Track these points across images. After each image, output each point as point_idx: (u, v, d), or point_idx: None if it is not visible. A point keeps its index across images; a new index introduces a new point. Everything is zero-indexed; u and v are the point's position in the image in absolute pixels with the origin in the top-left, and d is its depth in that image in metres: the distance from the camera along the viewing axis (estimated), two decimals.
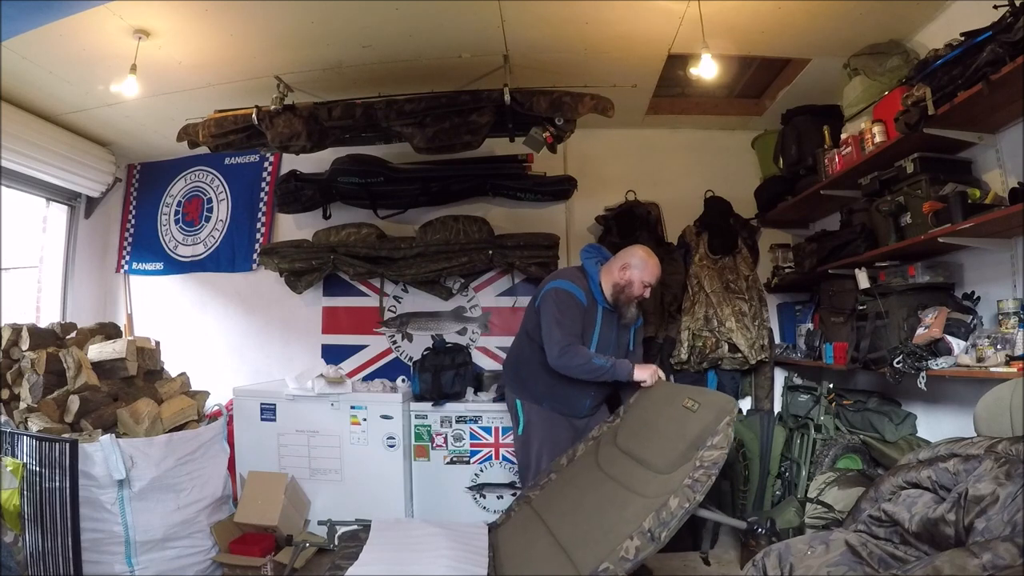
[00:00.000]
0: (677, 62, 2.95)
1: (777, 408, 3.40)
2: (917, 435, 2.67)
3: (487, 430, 3.08)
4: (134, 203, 4.13)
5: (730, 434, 1.72)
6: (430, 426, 3.10)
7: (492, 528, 2.19)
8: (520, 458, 2.56)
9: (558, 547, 1.77)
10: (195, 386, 3.02)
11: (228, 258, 3.93)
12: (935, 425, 2.61)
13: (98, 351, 2.72)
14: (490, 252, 3.40)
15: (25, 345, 2.64)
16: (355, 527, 2.16)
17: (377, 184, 3.52)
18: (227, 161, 3.98)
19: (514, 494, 2.87)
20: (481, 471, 3.07)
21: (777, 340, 3.63)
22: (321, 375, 3.04)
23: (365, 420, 3.02)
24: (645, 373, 2.28)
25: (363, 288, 3.77)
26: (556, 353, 2.27)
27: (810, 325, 3.32)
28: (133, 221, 4.12)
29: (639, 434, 2.08)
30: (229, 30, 2.63)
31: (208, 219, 4.00)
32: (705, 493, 1.61)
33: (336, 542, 2.10)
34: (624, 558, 1.52)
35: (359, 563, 1.83)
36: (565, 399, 2.45)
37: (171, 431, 2.62)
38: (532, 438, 2.46)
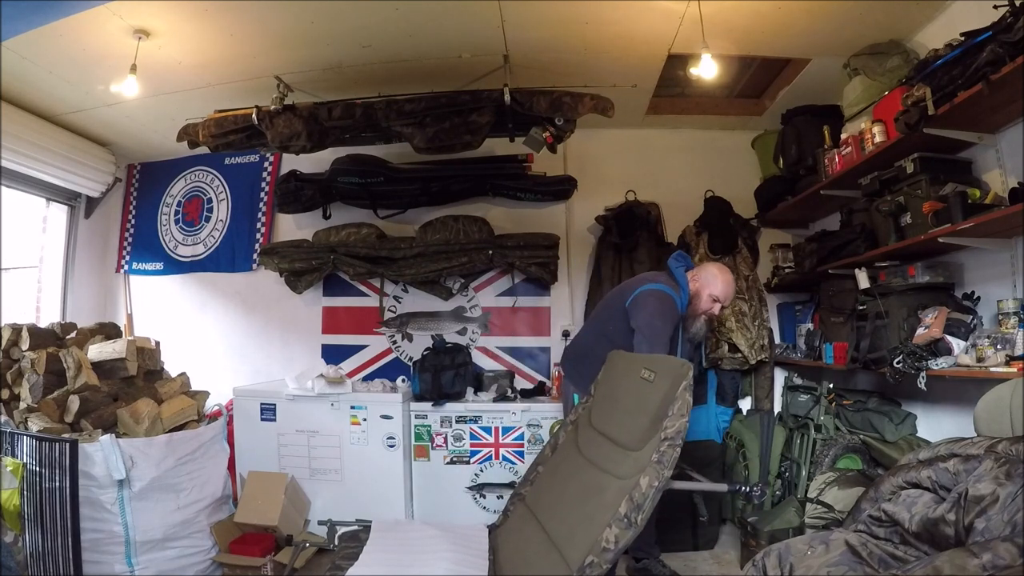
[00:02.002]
0: (677, 62, 2.95)
1: (777, 408, 3.40)
2: (917, 435, 2.67)
3: (487, 430, 3.08)
4: (134, 203, 4.13)
5: (688, 399, 1.67)
6: (430, 426, 3.10)
7: (492, 529, 2.19)
8: None
9: (550, 544, 1.76)
10: (195, 386, 3.02)
11: (228, 258, 3.93)
12: (935, 425, 2.61)
13: (98, 351, 2.72)
14: (490, 252, 3.40)
15: (25, 345, 2.64)
16: (355, 527, 2.16)
17: (377, 184, 3.52)
18: (227, 161, 3.98)
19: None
20: (481, 471, 3.07)
21: (777, 340, 3.63)
22: (321, 375, 3.04)
23: (365, 420, 3.02)
24: None
25: (363, 288, 3.77)
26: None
27: (810, 325, 3.32)
28: (133, 221, 4.12)
29: (608, 412, 2.04)
30: (229, 30, 2.63)
31: (208, 219, 4.00)
32: (673, 467, 1.57)
33: (336, 542, 2.10)
34: (606, 548, 1.50)
35: (359, 563, 1.83)
36: None
37: (171, 431, 2.62)
38: None
